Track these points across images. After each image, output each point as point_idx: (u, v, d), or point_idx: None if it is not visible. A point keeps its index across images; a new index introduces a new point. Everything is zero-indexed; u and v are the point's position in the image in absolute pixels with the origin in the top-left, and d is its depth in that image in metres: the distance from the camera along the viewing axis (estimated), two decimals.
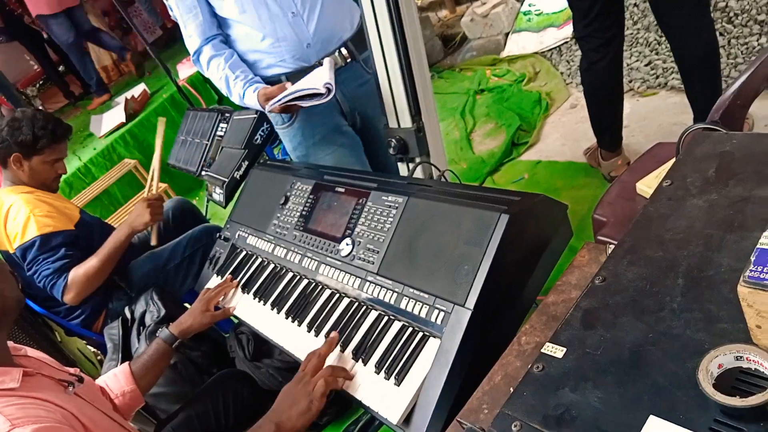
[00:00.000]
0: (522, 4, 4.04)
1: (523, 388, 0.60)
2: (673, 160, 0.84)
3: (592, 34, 2.08)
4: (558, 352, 0.61)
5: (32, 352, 1.27)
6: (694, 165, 0.71)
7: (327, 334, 1.30)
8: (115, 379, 1.47)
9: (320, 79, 1.54)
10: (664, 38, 2.93)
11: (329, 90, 1.52)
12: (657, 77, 2.82)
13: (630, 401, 0.53)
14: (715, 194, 0.66)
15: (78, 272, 1.95)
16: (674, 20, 1.93)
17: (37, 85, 8.60)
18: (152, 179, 2.25)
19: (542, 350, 0.62)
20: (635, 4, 3.23)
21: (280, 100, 1.61)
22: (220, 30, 1.82)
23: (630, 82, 2.92)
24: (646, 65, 2.93)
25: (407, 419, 1.06)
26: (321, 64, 1.78)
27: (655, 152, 1.64)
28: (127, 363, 1.50)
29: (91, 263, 1.97)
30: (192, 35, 1.79)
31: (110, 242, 2.02)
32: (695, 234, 0.63)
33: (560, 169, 2.72)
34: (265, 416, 1.15)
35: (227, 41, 1.85)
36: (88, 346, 2.59)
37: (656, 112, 2.67)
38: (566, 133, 2.94)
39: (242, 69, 1.81)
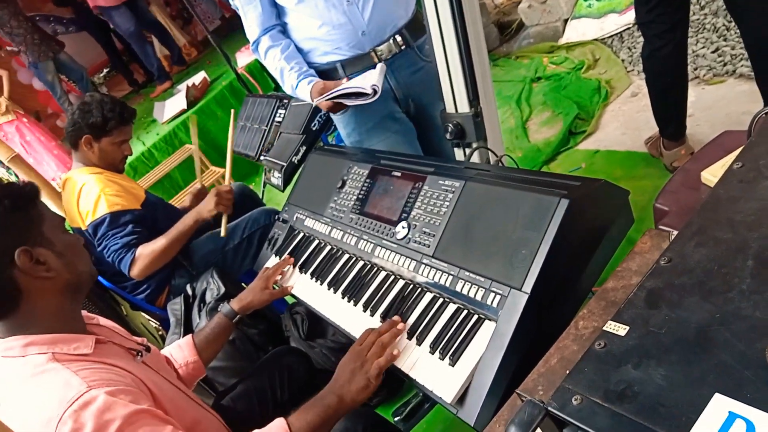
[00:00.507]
0: None
1: (584, 364, 0.60)
2: (742, 148, 0.81)
3: (656, 19, 2.02)
4: (621, 330, 0.61)
5: (104, 321, 1.34)
6: (767, 147, 0.69)
7: (382, 314, 1.32)
8: (179, 349, 1.54)
9: (368, 80, 1.60)
10: (733, 24, 2.81)
11: (375, 92, 1.58)
12: (725, 64, 2.71)
13: (695, 379, 0.53)
14: None
15: (145, 250, 2.05)
16: (742, 0, 1.85)
17: (103, 73, 8.97)
18: (227, 171, 2.32)
19: (604, 328, 0.62)
20: None
21: (328, 95, 1.68)
22: (278, 20, 1.87)
23: (695, 69, 2.81)
24: (713, 52, 2.82)
25: (461, 399, 1.08)
26: (375, 53, 1.81)
27: (721, 141, 1.58)
28: (190, 335, 1.58)
29: (159, 243, 2.06)
30: (251, 25, 1.85)
31: (178, 226, 2.12)
32: (767, 216, 0.62)
33: (620, 159, 2.66)
34: (327, 387, 1.19)
35: (285, 30, 1.89)
36: (151, 321, 2.72)
37: (723, 101, 2.57)
38: (626, 121, 2.86)
39: (297, 60, 1.86)
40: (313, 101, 1.79)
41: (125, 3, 5.99)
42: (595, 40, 3.65)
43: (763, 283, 0.56)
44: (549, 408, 0.57)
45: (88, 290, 1.25)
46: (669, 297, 0.61)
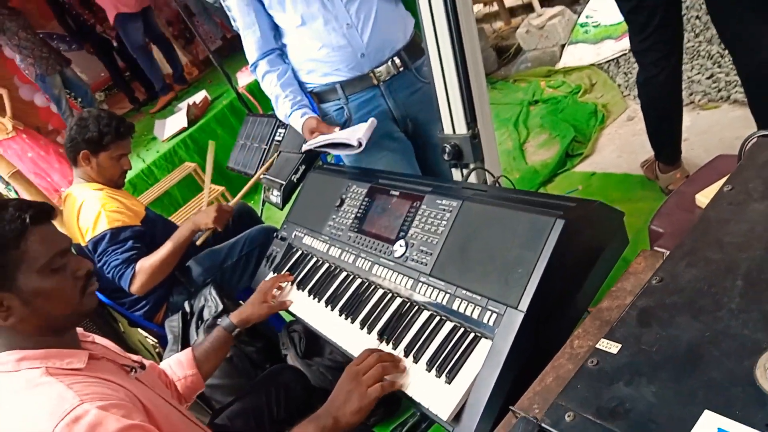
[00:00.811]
0: (579, 16, 4.01)
1: (577, 381, 0.61)
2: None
3: (651, 47, 2.06)
4: (613, 348, 0.62)
5: (99, 339, 1.34)
6: (756, 171, 0.71)
7: (379, 332, 1.33)
8: (179, 363, 1.54)
9: (356, 134, 1.70)
10: (727, 51, 2.86)
11: (360, 145, 1.69)
12: (719, 90, 2.75)
13: (685, 396, 0.54)
14: None
15: (144, 264, 2.05)
16: (733, 29, 1.89)
17: (105, 91, 9.03)
18: (240, 193, 2.36)
19: (597, 346, 0.63)
20: (697, 17, 3.17)
21: (316, 142, 1.79)
22: (277, 43, 1.93)
23: (691, 95, 2.86)
24: (707, 78, 2.86)
25: (457, 417, 1.08)
26: (374, 74, 1.85)
27: (715, 164, 1.61)
28: (190, 348, 1.58)
29: (157, 256, 2.07)
30: (250, 48, 1.92)
31: (174, 237, 2.12)
32: (756, 237, 0.63)
33: (616, 182, 2.68)
34: (324, 407, 1.18)
35: (284, 53, 1.94)
36: (148, 339, 2.72)
37: (717, 126, 2.60)
38: (622, 145, 2.89)
39: (293, 89, 1.93)
40: (302, 146, 1.89)
41: (141, 12, 6.11)
42: (592, 65, 3.71)
43: (752, 302, 0.58)
44: (542, 424, 0.58)
45: (75, 324, 1.21)
46: (660, 316, 0.62)
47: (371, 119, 1.79)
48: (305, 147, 1.87)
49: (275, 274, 1.84)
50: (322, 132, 1.83)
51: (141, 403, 1.12)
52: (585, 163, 2.96)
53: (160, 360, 2.26)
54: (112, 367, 1.21)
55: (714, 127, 2.61)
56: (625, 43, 3.53)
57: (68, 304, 1.14)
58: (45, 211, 1.13)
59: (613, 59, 3.62)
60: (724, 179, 1.32)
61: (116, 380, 1.12)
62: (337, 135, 1.76)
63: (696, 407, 0.53)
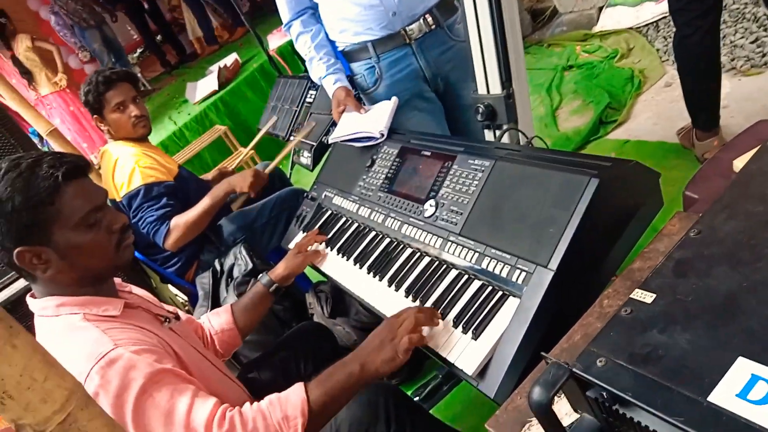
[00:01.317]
0: None
1: (610, 329, 0.62)
2: None
3: (686, 6, 1.99)
4: (647, 297, 0.62)
5: (137, 289, 1.39)
6: None
7: (407, 290, 1.34)
8: (217, 316, 1.59)
9: (379, 122, 1.75)
10: None
11: (382, 135, 1.74)
12: (764, 55, 2.65)
13: (719, 343, 0.54)
14: None
15: (179, 221, 2.10)
16: None
17: (137, 54, 9.11)
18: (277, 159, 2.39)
19: (631, 296, 0.63)
20: None
21: (341, 137, 1.85)
22: (311, 2, 1.93)
23: (733, 60, 2.76)
24: (752, 42, 2.75)
25: (482, 372, 1.10)
26: (406, 32, 1.83)
27: (756, 130, 1.56)
28: (230, 304, 1.62)
29: (192, 214, 2.11)
30: (284, 8, 1.94)
31: (210, 196, 2.15)
32: None
33: (650, 149, 2.62)
34: (352, 354, 1.17)
35: (317, 12, 1.93)
36: (178, 297, 2.79)
37: (760, 93, 2.51)
38: (659, 112, 2.82)
39: (326, 51, 1.96)
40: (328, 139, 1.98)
41: None
42: (630, 28, 3.59)
43: None
44: (573, 369, 0.59)
45: (111, 276, 1.25)
46: (697, 267, 0.62)
47: (394, 98, 1.82)
48: (331, 140, 1.93)
49: (305, 234, 1.87)
50: (348, 106, 1.89)
51: (173, 350, 1.16)
52: (619, 130, 2.90)
53: None
54: (147, 316, 1.25)
55: (756, 93, 2.52)
56: (665, 6, 3.38)
57: (104, 257, 1.17)
58: (80, 167, 1.15)
59: (652, 22, 3.50)
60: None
61: (150, 328, 1.16)
62: (361, 125, 1.80)
63: (730, 354, 0.53)
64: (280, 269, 1.65)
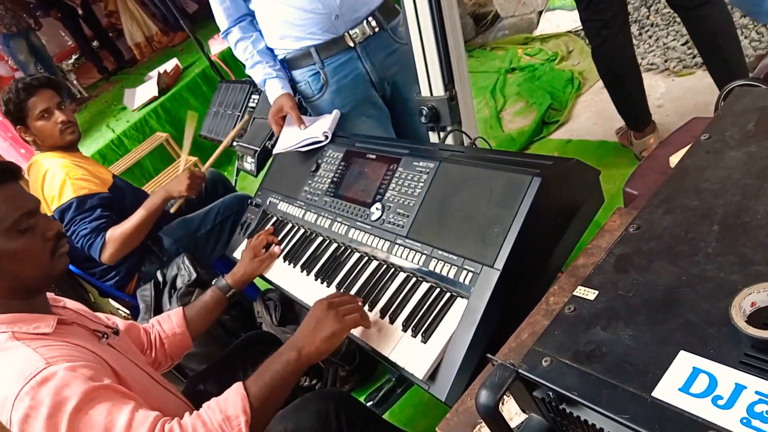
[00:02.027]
0: None
1: (554, 327, 0.61)
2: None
3: (592, 17, 2.08)
4: (590, 294, 0.62)
5: (71, 303, 1.31)
6: (733, 119, 0.71)
7: (356, 295, 1.32)
8: (168, 319, 1.53)
9: (320, 128, 1.74)
10: None
11: (326, 137, 1.72)
12: (694, 56, 2.76)
13: (661, 338, 0.54)
14: (755, 146, 0.65)
15: (115, 233, 2.00)
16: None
17: (72, 60, 8.76)
18: (212, 159, 2.30)
19: (574, 293, 0.63)
20: None
21: (285, 147, 1.81)
22: (248, 9, 1.88)
23: (666, 61, 2.87)
24: (683, 44, 2.87)
25: (432, 376, 1.08)
26: (349, 36, 1.81)
27: (690, 127, 1.62)
28: (181, 307, 1.56)
29: (128, 224, 2.02)
30: (220, 16, 1.88)
31: (146, 205, 2.07)
32: (732, 183, 0.63)
33: (591, 149, 2.69)
34: (287, 342, 1.15)
35: (255, 20, 1.89)
36: (120, 311, 2.67)
37: (692, 92, 2.62)
38: (599, 111, 2.90)
39: (270, 56, 1.91)
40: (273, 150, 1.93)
41: None
42: (569, 32, 3.69)
43: (728, 245, 0.58)
44: (519, 371, 0.58)
45: (46, 287, 1.19)
46: (637, 262, 0.62)
47: (335, 111, 1.81)
48: (276, 151, 1.88)
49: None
50: (289, 115, 1.84)
51: (110, 367, 1.10)
52: (561, 130, 2.97)
53: None
54: (83, 332, 1.19)
55: (688, 92, 2.63)
56: None
57: (38, 265, 1.11)
58: (10, 170, 1.10)
59: None
60: None
61: (86, 345, 1.10)
62: (304, 134, 1.77)
63: (672, 348, 0.53)
64: (238, 273, 1.61)
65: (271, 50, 1.92)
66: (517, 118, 3.24)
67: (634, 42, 3.09)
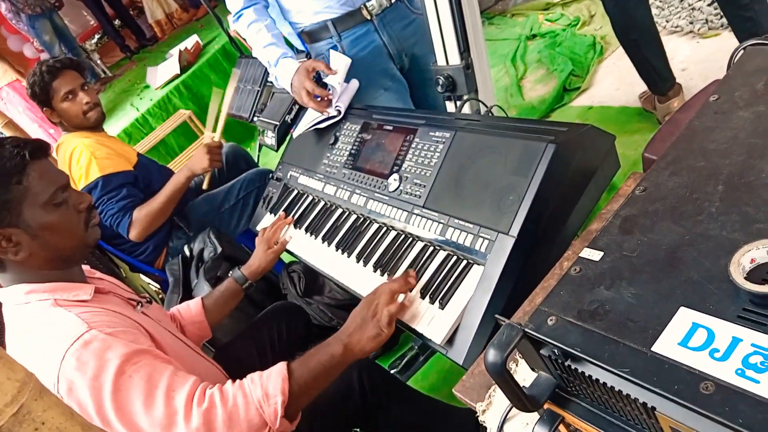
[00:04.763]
0: None
1: (560, 288, 0.63)
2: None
3: None
4: (595, 255, 0.63)
5: (105, 276, 1.37)
6: (743, 79, 0.71)
7: (375, 264, 1.35)
8: (188, 309, 1.58)
9: (339, 101, 1.75)
10: None
11: (339, 112, 1.73)
12: (721, 17, 2.68)
13: (662, 295, 0.56)
14: (763, 106, 0.65)
15: (141, 212, 2.06)
16: None
17: (95, 40, 8.84)
18: (216, 126, 2.30)
19: (579, 255, 0.64)
20: None
21: (305, 127, 1.83)
22: None
23: (690, 23, 2.79)
24: (709, 5, 2.79)
25: (450, 341, 1.11)
26: (366, 8, 1.80)
27: (711, 90, 1.59)
28: (200, 298, 1.61)
29: (154, 203, 2.08)
30: None
31: (170, 184, 2.12)
32: (739, 144, 0.63)
33: (613, 114, 2.66)
34: (334, 335, 1.15)
35: (267, 5, 1.87)
36: (150, 285, 2.76)
37: (718, 54, 2.55)
38: (621, 77, 2.85)
39: (282, 41, 1.85)
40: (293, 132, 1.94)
41: None
42: None
43: (731, 204, 0.59)
44: (526, 330, 0.60)
45: (82, 256, 1.24)
46: (642, 223, 0.63)
47: (354, 81, 1.79)
48: (296, 133, 1.88)
49: (272, 215, 1.86)
50: (318, 67, 1.74)
51: (147, 332, 1.15)
52: (583, 96, 2.92)
53: (163, 304, 2.31)
54: (119, 300, 1.24)
55: (714, 55, 2.56)
56: None
57: (74, 236, 1.17)
58: (42, 147, 1.14)
59: None
60: None
61: (123, 311, 1.15)
62: (320, 117, 1.77)
63: (672, 305, 0.54)
64: (253, 266, 1.64)
65: (289, 23, 1.91)
66: (537, 86, 3.20)
67: (659, 4, 3.02)
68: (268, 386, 1.05)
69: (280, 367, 1.09)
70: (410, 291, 1.21)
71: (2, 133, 2.77)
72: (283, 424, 1.05)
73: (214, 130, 2.28)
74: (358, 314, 1.16)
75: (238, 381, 1.07)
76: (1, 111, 2.95)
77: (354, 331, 1.13)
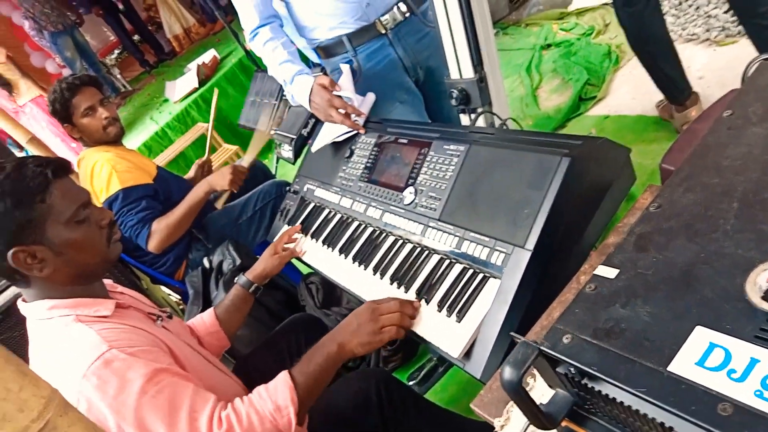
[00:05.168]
0: None
1: (575, 306, 0.63)
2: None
3: None
4: (610, 273, 0.63)
5: (127, 290, 1.40)
6: (756, 94, 0.71)
7: (391, 277, 1.36)
8: (202, 321, 1.59)
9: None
10: None
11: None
12: (738, 24, 2.66)
13: (678, 314, 0.56)
14: None
15: (160, 223, 2.10)
16: None
17: (115, 55, 9.01)
18: (254, 152, 2.34)
19: (594, 272, 0.65)
20: None
21: (324, 142, 1.84)
22: (275, 10, 1.85)
23: (707, 31, 2.77)
24: (725, 12, 2.76)
25: (467, 354, 1.12)
26: (381, 22, 1.82)
27: (728, 99, 1.58)
28: (212, 308, 1.63)
29: (173, 217, 2.11)
30: (250, 13, 1.82)
31: (189, 197, 2.16)
32: (753, 160, 0.63)
33: (630, 123, 2.64)
34: (329, 334, 1.22)
35: (282, 23, 1.89)
36: (171, 296, 2.79)
37: (735, 62, 2.53)
38: (637, 85, 2.83)
39: (297, 59, 1.84)
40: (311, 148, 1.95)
41: None
42: (605, 4, 3.59)
43: (747, 222, 0.58)
44: (541, 348, 0.60)
45: (105, 272, 1.27)
46: (657, 240, 0.63)
47: (371, 94, 1.80)
48: (315, 148, 1.90)
49: (289, 227, 1.87)
50: (336, 89, 1.73)
51: (168, 347, 1.17)
52: (599, 106, 2.91)
53: (184, 315, 2.34)
54: (139, 315, 1.26)
55: (732, 63, 2.54)
56: None
57: (96, 252, 1.19)
58: (63, 166, 1.17)
59: None
60: None
61: (143, 327, 1.17)
62: (337, 128, 1.78)
63: (688, 324, 0.54)
64: (258, 270, 1.66)
65: (305, 30, 1.92)
66: (553, 96, 3.20)
67: (674, 12, 3.00)
68: (277, 398, 1.09)
69: (284, 377, 1.13)
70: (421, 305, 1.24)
71: (26, 150, 2.83)
72: (297, 430, 1.09)
73: (225, 141, 2.33)
74: (357, 317, 1.21)
75: (246, 398, 1.10)
76: (25, 127, 3.01)
77: (348, 333, 1.19)
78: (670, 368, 0.53)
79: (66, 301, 1.12)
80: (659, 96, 2.55)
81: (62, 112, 2.15)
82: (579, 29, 3.56)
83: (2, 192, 1.06)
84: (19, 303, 1.16)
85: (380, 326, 1.19)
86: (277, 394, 1.10)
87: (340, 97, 1.71)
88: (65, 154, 5.60)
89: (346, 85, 1.76)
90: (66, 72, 6.62)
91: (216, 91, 2.54)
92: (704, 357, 0.52)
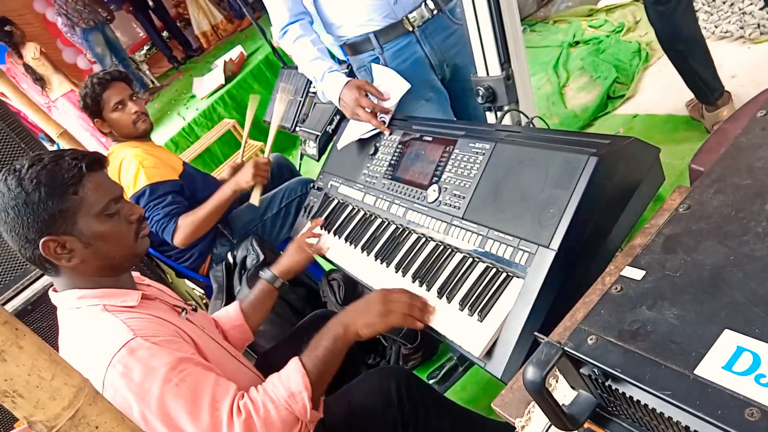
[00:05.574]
0: None
1: (600, 307, 0.62)
2: None
3: None
4: (637, 274, 0.62)
5: (154, 283, 1.42)
6: None
7: (413, 275, 1.35)
8: (227, 315, 1.62)
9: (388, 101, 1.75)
10: None
11: (384, 122, 1.72)
12: None
13: (706, 317, 0.55)
14: None
15: (186, 220, 2.13)
16: None
17: (144, 51, 9.15)
18: (268, 144, 2.35)
19: (621, 273, 0.64)
20: None
21: (351, 138, 1.83)
22: (305, 7, 1.87)
23: (741, 28, 2.71)
24: (761, 9, 2.70)
25: (488, 353, 1.11)
26: (408, 20, 1.81)
27: (762, 99, 1.54)
28: (237, 301, 1.65)
29: (199, 213, 2.14)
30: (282, 10, 1.84)
31: (217, 196, 2.18)
32: None
33: (659, 123, 2.59)
34: (336, 316, 1.25)
35: (312, 20, 1.90)
36: (195, 290, 2.83)
37: None
38: (667, 84, 2.78)
39: (327, 56, 1.86)
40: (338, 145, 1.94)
41: None
42: (636, 1, 3.53)
43: None
44: (565, 348, 0.60)
45: (132, 265, 1.29)
46: (686, 242, 0.62)
47: (405, 84, 1.76)
48: (340, 145, 1.90)
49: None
50: (370, 91, 1.75)
51: (191, 339, 1.20)
52: (627, 104, 2.87)
53: (207, 309, 2.37)
54: (164, 306, 1.28)
55: (766, 61, 2.48)
56: None
57: (124, 245, 1.22)
58: (98, 160, 1.20)
59: None
60: None
61: (168, 318, 1.20)
62: (363, 126, 1.78)
63: (716, 327, 0.53)
64: (283, 264, 1.68)
65: (333, 27, 1.93)
66: (580, 94, 3.16)
67: (707, 9, 2.94)
68: (290, 385, 1.12)
69: (295, 364, 1.16)
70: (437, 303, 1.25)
71: (57, 144, 2.90)
72: (312, 414, 1.13)
73: (251, 137, 2.33)
74: (367, 300, 1.25)
75: (261, 387, 1.13)
76: (56, 121, 3.08)
77: (356, 314, 1.23)
78: (696, 371, 0.52)
79: (94, 291, 1.15)
80: (690, 95, 2.50)
81: (93, 106, 2.20)
82: (608, 26, 3.51)
83: (38, 182, 1.09)
84: (51, 293, 1.20)
85: (387, 309, 1.21)
86: (290, 381, 1.12)
87: (367, 96, 1.71)
88: (95, 149, 5.70)
89: (393, 99, 1.75)
90: (96, 68, 6.76)
91: (257, 98, 2.54)
92: (732, 361, 0.51)
